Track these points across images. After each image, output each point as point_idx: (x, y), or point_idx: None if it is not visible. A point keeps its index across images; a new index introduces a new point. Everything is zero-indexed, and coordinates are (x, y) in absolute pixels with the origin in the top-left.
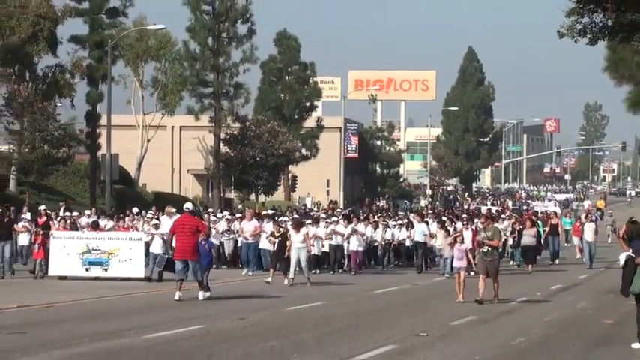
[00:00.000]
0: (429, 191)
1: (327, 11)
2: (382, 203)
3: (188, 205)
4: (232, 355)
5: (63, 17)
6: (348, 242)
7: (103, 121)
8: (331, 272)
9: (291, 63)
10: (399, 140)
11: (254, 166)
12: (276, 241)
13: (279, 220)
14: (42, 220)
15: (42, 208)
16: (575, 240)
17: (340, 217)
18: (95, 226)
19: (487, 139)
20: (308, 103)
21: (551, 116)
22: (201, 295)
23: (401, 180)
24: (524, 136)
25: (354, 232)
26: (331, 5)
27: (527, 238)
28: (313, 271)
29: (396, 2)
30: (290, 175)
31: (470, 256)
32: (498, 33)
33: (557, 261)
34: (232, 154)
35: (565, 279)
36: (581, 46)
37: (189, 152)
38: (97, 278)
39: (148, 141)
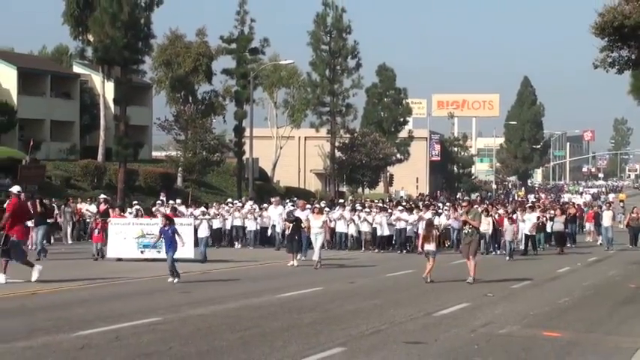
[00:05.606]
0: (494, 186)
1: (415, 48)
2: (459, 195)
3: (13, 189)
4: (345, 309)
5: (216, 55)
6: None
7: (247, 133)
8: (398, 252)
9: (389, 88)
10: (471, 147)
11: (361, 167)
12: (291, 225)
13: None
14: (102, 207)
15: (102, 197)
16: (588, 225)
17: (394, 206)
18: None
19: (539, 146)
20: (402, 119)
21: (588, 128)
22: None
23: (472, 177)
24: (567, 143)
25: (420, 219)
26: (418, 44)
27: (557, 225)
28: (377, 250)
29: (467, 41)
30: (388, 174)
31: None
32: (549, 62)
33: (573, 245)
34: (344, 158)
35: (600, 253)
36: (611, 74)
37: (312, 156)
38: (147, 260)
39: (281, 148)
